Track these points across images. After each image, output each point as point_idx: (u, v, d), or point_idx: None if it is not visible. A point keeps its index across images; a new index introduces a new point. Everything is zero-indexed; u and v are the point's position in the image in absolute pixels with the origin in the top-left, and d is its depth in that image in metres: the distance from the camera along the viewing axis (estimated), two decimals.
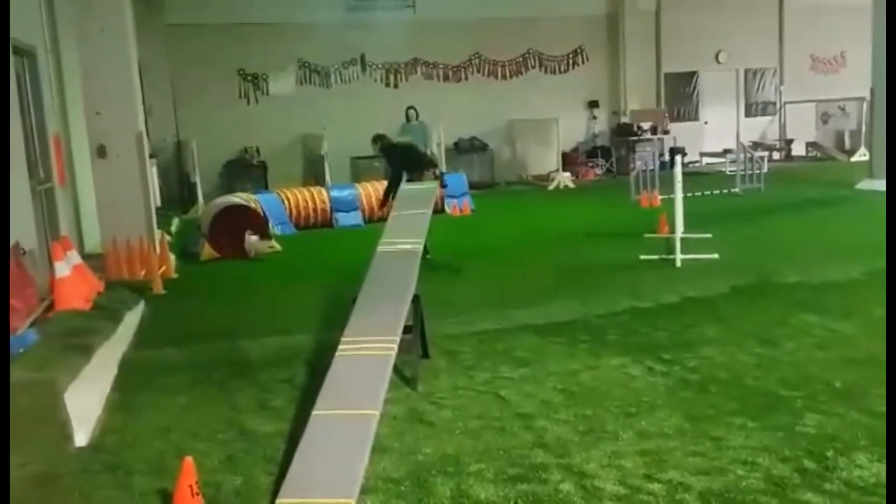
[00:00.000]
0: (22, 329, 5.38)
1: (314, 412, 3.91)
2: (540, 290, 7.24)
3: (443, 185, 9.16)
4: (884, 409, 4.07)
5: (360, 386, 4.12)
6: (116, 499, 3.57)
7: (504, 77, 17.85)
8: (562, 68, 18.22)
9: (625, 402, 4.39)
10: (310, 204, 12.26)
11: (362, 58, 16.86)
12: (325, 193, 12.53)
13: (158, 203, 12.77)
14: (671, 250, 8.08)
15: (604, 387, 4.68)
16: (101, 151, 8.71)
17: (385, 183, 12.44)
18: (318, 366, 4.91)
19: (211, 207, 10.65)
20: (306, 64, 16.56)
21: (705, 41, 18.60)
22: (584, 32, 18.12)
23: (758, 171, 13.55)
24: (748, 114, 19.60)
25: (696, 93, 19.24)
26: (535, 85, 17.76)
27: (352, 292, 5.25)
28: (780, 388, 4.47)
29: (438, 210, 12.43)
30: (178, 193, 15.16)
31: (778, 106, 19.64)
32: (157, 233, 9.31)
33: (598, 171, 17.72)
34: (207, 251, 9.69)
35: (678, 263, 7.90)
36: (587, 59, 18.25)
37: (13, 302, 5.36)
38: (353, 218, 12.20)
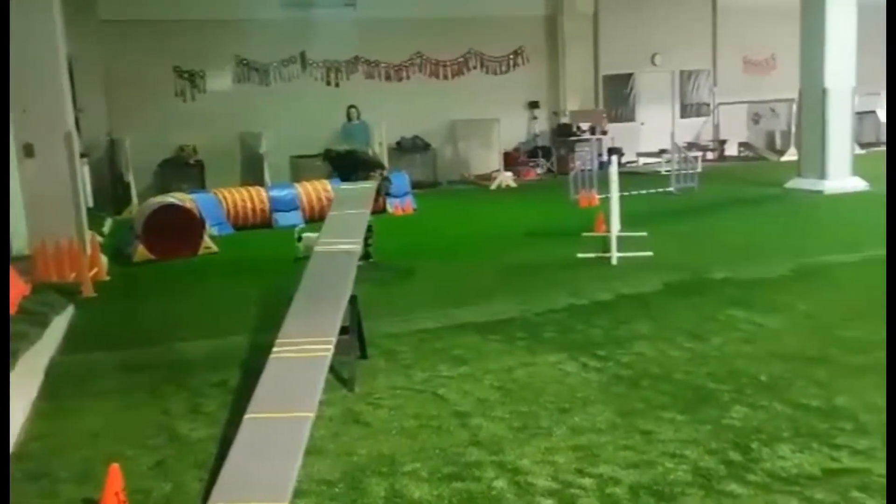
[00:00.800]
0: None
1: (247, 416, 3.86)
2: (480, 289, 7.28)
3: (386, 193, 9.13)
4: (807, 401, 4.24)
5: (295, 388, 4.08)
6: None
7: (446, 77, 17.88)
8: (503, 69, 18.35)
9: (559, 399, 4.45)
10: (248, 204, 12.08)
11: (302, 56, 16.68)
12: (264, 193, 12.36)
13: (90, 203, 12.42)
14: (607, 249, 8.23)
15: (539, 383, 4.74)
16: (27, 150, 8.41)
17: (326, 182, 12.45)
18: (253, 368, 4.83)
19: (145, 207, 10.40)
20: (244, 61, 16.29)
21: (641, 43, 18.96)
22: (524, 33, 18.29)
23: (692, 171, 13.90)
24: (683, 115, 20.06)
25: (632, 94, 19.60)
26: (476, 85, 17.84)
27: (288, 293, 5.20)
28: (709, 382, 4.60)
29: (381, 210, 12.42)
30: (111, 193, 14.74)
31: (711, 107, 20.16)
32: (88, 234, 9.04)
33: (539, 170, 17.91)
34: (141, 252, 9.46)
35: (614, 261, 8.05)
36: (527, 59, 18.42)
37: None
38: (293, 218, 12.04)
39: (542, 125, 18.75)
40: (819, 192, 12.40)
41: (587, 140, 17.37)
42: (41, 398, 4.86)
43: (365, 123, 15.10)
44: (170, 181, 14.49)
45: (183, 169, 15.13)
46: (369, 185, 7.32)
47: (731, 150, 19.76)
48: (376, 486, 3.49)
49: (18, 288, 6.78)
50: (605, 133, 17.96)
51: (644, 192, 13.31)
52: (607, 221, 8.71)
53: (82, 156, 11.57)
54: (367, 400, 4.57)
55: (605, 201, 8.96)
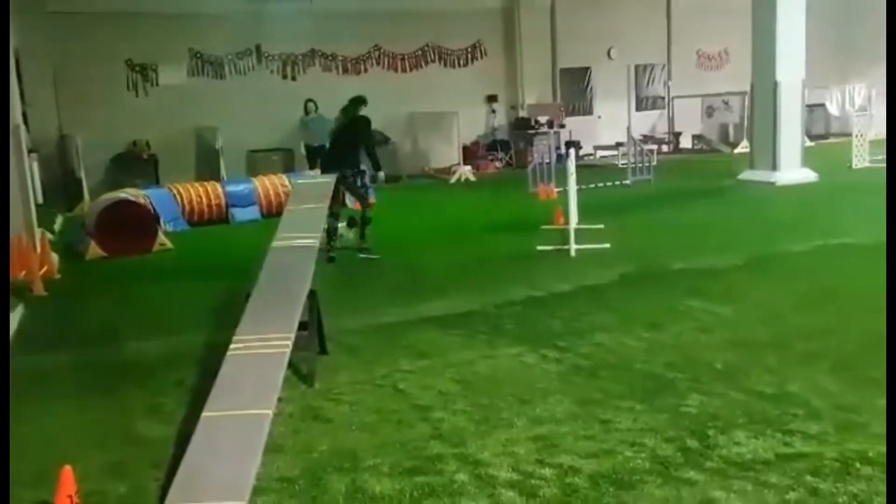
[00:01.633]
0: None
1: (204, 414, 3.81)
2: (440, 283, 7.28)
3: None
4: (761, 388, 4.32)
5: (253, 385, 4.04)
6: None
7: (404, 70, 17.82)
8: (461, 62, 18.35)
9: (520, 390, 4.47)
10: (204, 199, 11.89)
11: (258, 49, 16.45)
12: (219, 188, 12.18)
13: (40, 200, 12.10)
14: (566, 241, 8.29)
15: (500, 376, 4.76)
16: None
17: (283, 177, 12.35)
18: (211, 367, 4.76)
19: (97, 204, 10.17)
20: (199, 55, 16.02)
21: (598, 38, 19.12)
22: (482, 27, 18.31)
23: (647, 164, 14.09)
24: (639, 108, 20.29)
25: (590, 88, 19.78)
26: (435, 79, 17.81)
27: (246, 289, 5.13)
28: (666, 371, 4.66)
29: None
30: (62, 190, 14.37)
31: (666, 100, 20.44)
32: (38, 231, 8.81)
33: (498, 164, 17.97)
34: (93, 250, 9.26)
35: (572, 253, 8.12)
36: (485, 53, 18.46)
37: None
38: (250, 213, 11.91)
39: (501, 119, 18.81)
40: (771, 184, 12.66)
41: (545, 133, 17.48)
42: None
43: (323, 117, 14.95)
44: (123, 177, 14.20)
45: (136, 164, 14.84)
46: (328, 180, 7.25)
47: (686, 142, 20.08)
48: (337, 482, 3.47)
49: None
50: (562, 126, 18.09)
51: (601, 184, 13.44)
52: (566, 214, 8.78)
53: (31, 151, 11.27)
54: (328, 396, 4.54)
55: (564, 194, 9.02)
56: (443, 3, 17.35)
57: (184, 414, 4.33)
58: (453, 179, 16.06)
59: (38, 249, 8.26)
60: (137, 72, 15.56)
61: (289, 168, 15.18)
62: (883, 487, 3.15)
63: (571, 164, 8.77)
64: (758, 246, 8.08)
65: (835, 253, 7.59)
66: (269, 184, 12.29)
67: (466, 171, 16.26)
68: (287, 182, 11.82)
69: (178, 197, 11.72)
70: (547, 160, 13.39)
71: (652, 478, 3.37)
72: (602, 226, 9.21)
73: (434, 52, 18.07)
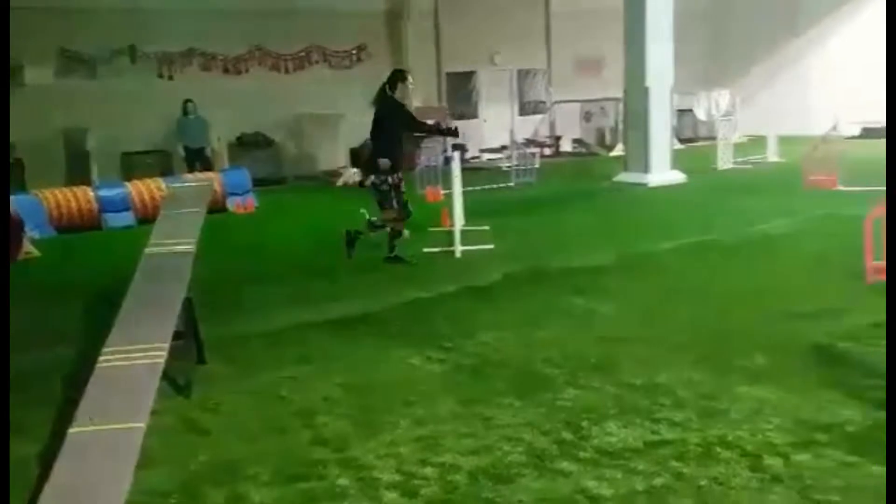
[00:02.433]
0: None
1: (70, 430, 3.62)
2: (326, 287, 7.22)
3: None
4: (631, 380, 4.53)
5: (124, 398, 3.87)
6: None
7: (287, 71, 17.53)
8: (346, 64, 18.23)
9: (404, 392, 4.50)
10: (73, 204, 11.29)
11: (132, 48, 15.75)
12: (90, 192, 11.59)
13: None
14: (452, 242, 8.41)
15: (385, 378, 4.78)
16: None
17: (160, 180, 11.87)
18: (80, 381, 4.53)
19: None
20: (68, 53, 15.16)
21: (482, 42, 19.47)
22: (367, 29, 18.25)
23: (530, 167, 14.47)
24: (522, 112, 20.82)
25: (475, 91, 20.11)
26: (320, 80, 17.60)
27: (118, 299, 4.92)
28: (545, 367, 4.81)
29: (220, 208, 12.01)
30: None
31: (548, 105, 21.06)
32: None
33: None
34: None
35: (458, 254, 8.25)
36: (371, 55, 18.41)
37: None
38: (125, 219, 11.40)
39: None
40: (644, 185, 13.28)
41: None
42: None
43: (202, 118, 14.53)
44: None
45: None
46: (208, 185, 7.05)
47: (566, 146, 20.76)
48: (215, 494, 3.38)
49: None
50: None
51: (486, 186, 13.69)
52: (452, 216, 8.90)
53: None
54: (205, 406, 4.41)
55: (450, 196, 9.14)
56: (325, 3, 17.16)
57: (49, 431, 4.10)
58: (340, 182, 15.93)
59: None
60: None
61: (166, 171, 14.62)
62: (741, 470, 3.37)
63: (457, 167, 8.90)
64: (631, 244, 8.45)
65: (700, 250, 8.05)
66: (145, 188, 11.81)
67: (353, 174, 16.15)
68: (163, 186, 11.38)
69: (44, 202, 11.07)
70: (434, 163, 13.51)
71: (529, 471, 3.48)
72: (487, 227, 9.39)
73: (319, 53, 17.87)
